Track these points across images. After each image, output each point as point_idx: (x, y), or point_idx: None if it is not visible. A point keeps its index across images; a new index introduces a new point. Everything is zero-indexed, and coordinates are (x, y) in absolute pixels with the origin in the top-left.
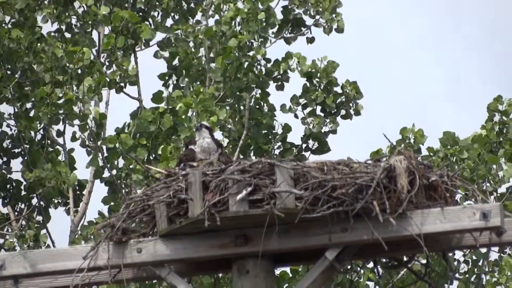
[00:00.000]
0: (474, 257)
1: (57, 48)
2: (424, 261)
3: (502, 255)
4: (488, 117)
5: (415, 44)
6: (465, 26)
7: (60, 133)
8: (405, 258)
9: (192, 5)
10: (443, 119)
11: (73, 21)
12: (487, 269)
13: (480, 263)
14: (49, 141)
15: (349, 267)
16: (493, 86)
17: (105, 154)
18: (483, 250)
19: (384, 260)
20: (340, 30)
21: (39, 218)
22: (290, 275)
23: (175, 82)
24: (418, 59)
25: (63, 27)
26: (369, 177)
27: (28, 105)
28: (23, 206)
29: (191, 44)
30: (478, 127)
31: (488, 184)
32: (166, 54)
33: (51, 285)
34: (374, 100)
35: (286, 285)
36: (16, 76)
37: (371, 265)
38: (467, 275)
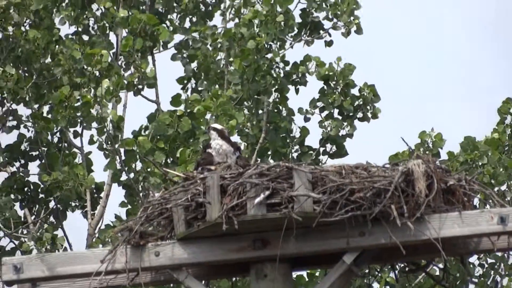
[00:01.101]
0: (491, 260)
1: (75, 50)
2: (441, 265)
3: None
4: (500, 120)
5: (432, 46)
6: (479, 26)
7: (77, 135)
8: (423, 262)
9: (210, 7)
10: (460, 121)
11: (91, 23)
12: (503, 273)
13: (496, 267)
14: (65, 144)
15: (366, 271)
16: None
17: (123, 157)
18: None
19: (402, 264)
20: (358, 33)
21: (53, 221)
22: (307, 279)
23: (193, 85)
24: (435, 62)
25: (81, 29)
26: (387, 181)
27: (46, 108)
28: (40, 208)
29: (209, 46)
30: (491, 129)
31: (507, 190)
32: (184, 56)
33: None
34: (392, 103)
35: None
36: (33, 77)
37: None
38: (482, 279)
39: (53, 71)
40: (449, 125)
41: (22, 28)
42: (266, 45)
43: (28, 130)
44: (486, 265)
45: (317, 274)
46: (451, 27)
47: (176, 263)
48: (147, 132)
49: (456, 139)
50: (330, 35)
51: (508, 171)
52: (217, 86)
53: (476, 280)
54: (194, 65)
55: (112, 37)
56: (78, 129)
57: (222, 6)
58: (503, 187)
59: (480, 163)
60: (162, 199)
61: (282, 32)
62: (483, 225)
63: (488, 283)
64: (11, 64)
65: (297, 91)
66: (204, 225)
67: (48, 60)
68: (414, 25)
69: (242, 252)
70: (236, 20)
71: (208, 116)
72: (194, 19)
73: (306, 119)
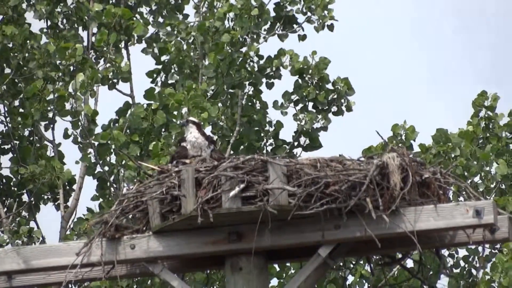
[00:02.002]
0: (464, 253)
1: (49, 44)
2: (417, 258)
3: (493, 251)
4: (474, 112)
5: (403, 39)
6: (450, 19)
7: (48, 127)
8: (398, 255)
9: (180, 0)
10: (432, 114)
11: (60, 18)
12: (478, 265)
13: (470, 259)
14: (36, 137)
15: (341, 263)
16: (483, 81)
17: (97, 150)
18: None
19: (377, 257)
20: (332, 27)
21: (25, 213)
22: (278, 269)
23: (163, 79)
24: (406, 55)
25: (53, 23)
26: (362, 174)
27: (17, 102)
28: (12, 202)
29: (181, 40)
30: (463, 122)
31: (480, 181)
32: (154, 50)
33: (44, 281)
34: (366, 96)
35: (274, 279)
36: (9, 72)
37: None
38: (458, 271)
39: (29, 66)
40: (422, 117)
41: None
42: (240, 39)
43: (5, 126)
44: (457, 255)
45: (288, 264)
46: (424, 19)
47: (151, 256)
48: (117, 126)
49: (429, 131)
50: (303, 29)
51: (480, 162)
52: (191, 80)
53: (452, 274)
54: (164, 58)
55: (82, 32)
56: (50, 122)
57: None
58: (476, 179)
59: (453, 155)
60: (137, 192)
61: (257, 26)
62: (459, 218)
63: (462, 273)
64: None
65: (270, 85)
66: (179, 218)
67: (23, 55)
68: (387, 19)
69: (217, 245)
70: (209, 13)
71: (184, 110)
72: (165, 12)
73: (283, 113)
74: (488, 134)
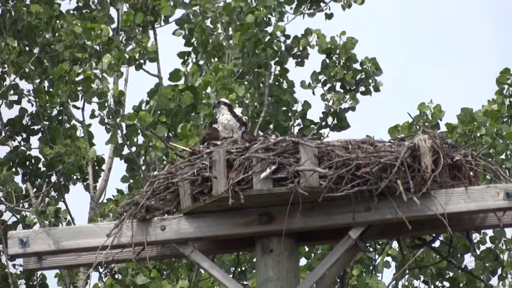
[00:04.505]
0: (491, 234)
1: (76, 25)
2: (446, 240)
3: None
4: (498, 90)
5: (430, 18)
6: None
7: (76, 109)
8: (428, 237)
9: None
10: (459, 91)
11: None
12: (504, 247)
13: (497, 241)
14: (66, 117)
15: (367, 245)
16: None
17: (124, 131)
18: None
19: (407, 239)
20: (359, 3)
21: (54, 194)
22: (307, 249)
23: (194, 60)
24: (435, 33)
25: (81, 4)
26: (393, 156)
27: (46, 82)
28: (42, 182)
29: (209, 20)
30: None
31: (505, 159)
32: (186, 31)
33: (74, 263)
34: (393, 76)
35: (303, 259)
36: (35, 51)
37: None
38: (485, 249)
39: (55, 46)
40: (448, 97)
41: (24, 2)
42: (265, 19)
43: (32, 105)
44: (483, 232)
45: (317, 246)
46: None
47: (182, 238)
48: (147, 107)
49: (455, 109)
50: (329, 8)
51: (505, 141)
52: (216, 59)
53: (477, 253)
54: (194, 39)
55: (113, 12)
56: (80, 103)
57: None
58: (502, 156)
59: (478, 134)
60: (168, 174)
61: (280, 4)
62: (489, 200)
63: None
64: (13, 37)
65: (300, 63)
66: (210, 199)
67: (50, 34)
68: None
69: (248, 227)
70: None
71: (209, 90)
72: None
73: (313, 89)
74: None
